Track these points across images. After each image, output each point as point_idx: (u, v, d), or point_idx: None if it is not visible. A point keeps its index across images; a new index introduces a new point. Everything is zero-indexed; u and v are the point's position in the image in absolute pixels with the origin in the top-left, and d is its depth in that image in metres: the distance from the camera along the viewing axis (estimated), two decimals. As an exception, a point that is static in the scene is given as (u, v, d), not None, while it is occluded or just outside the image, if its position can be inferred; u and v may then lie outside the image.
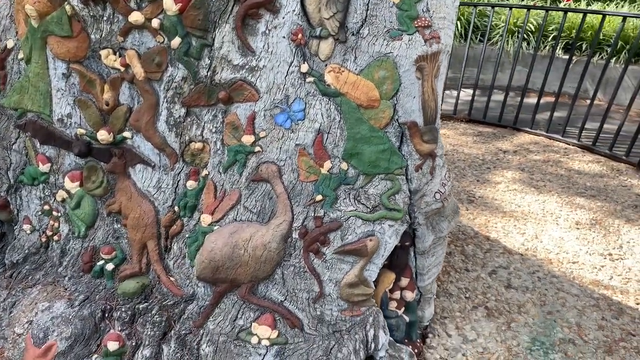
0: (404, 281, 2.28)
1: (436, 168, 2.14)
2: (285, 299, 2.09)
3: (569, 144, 5.60)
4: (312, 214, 2.03)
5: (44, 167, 2.35)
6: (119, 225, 2.35)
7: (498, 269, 3.15)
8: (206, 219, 2.14)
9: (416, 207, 2.12)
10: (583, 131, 5.57)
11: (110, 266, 2.32)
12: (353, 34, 1.97)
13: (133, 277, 2.29)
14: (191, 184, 2.19)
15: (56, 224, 2.44)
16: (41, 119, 2.30)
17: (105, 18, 2.01)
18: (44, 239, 2.48)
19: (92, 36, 2.07)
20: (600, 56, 7.39)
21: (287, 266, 2.07)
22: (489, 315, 2.72)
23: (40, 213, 2.45)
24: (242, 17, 1.93)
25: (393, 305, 2.27)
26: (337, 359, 2.01)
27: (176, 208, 2.22)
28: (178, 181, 2.22)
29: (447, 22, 2.04)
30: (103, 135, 2.19)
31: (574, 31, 7.38)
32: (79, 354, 2.15)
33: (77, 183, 2.34)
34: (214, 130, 2.12)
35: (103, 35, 2.06)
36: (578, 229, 3.72)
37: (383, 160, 2.00)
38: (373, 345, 2.06)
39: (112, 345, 2.16)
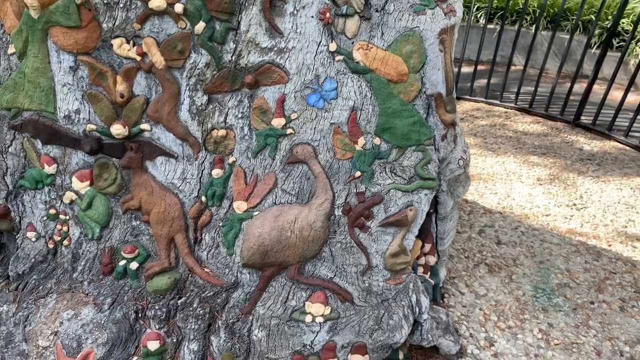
0: (427, 247, 2.41)
1: (457, 136, 2.27)
2: (334, 275, 2.15)
3: (508, 108, 6.00)
4: (354, 190, 2.09)
5: (50, 169, 2.21)
6: (137, 222, 2.28)
7: (485, 227, 3.39)
8: (241, 205, 2.14)
9: (442, 174, 2.24)
10: (519, 95, 6.00)
11: (134, 265, 2.25)
12: (377, 11, 2.03)
13: (163, 273, 2.24)
14: (217, 172, 2.16)
15: (65, 228, 2.31)
16: (43, 117, 2.16)
17: (121, 5, 1.92)
18: (51, 245, 2.35)
19: (104, 25, 1.97)
20: (526, 25, 7.90)
21: (334, 243, 2.12)
22: (491, 271, 2.94)
23: (45, 218, 2.32)
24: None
25: (420, 270, 2.40)
26: (389, 326, 2.11)
27: (203, 198, 2.19)
28: (202, 170, 2.18)
29: (459, -6, 2.15)
30: (118, 129, 2.10)
31: (504, 2, 7.83)
32: (119, 358, 2.09)
33: (87, 182, 2.23)
34: (239, 115, 2.10)
35: (116, 23, 1.96)
36: (541, 184, 4.06)
37: (414, 132, 2.09)
38: (417, 310, 2.18)
39: (153, 345, 2.12)
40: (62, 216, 2.30)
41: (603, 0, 5.02)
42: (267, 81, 2.05)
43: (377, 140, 2.09)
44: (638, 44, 6.66)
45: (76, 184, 2.23)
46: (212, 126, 2.13)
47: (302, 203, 2.11)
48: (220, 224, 2.20)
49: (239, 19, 1.95)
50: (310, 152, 2.07)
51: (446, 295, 2.71)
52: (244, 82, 2.04)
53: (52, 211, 2.30)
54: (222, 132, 2.13)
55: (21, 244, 2.35)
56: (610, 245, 3.28)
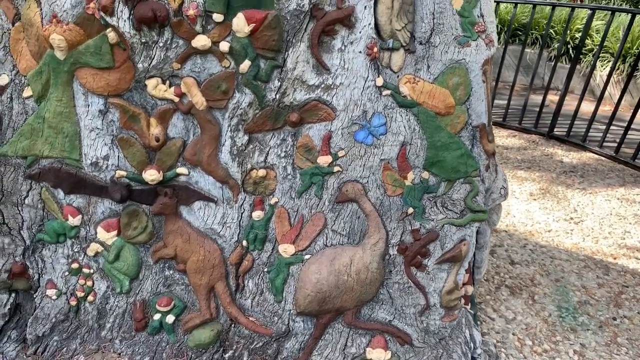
0: (465, 277, 2.40)
1: (497, 165, 2.27)
2: (393, 318, 2.09)
3: (481, 122, 6.14)
4: (409, 228, 2.05)
5: (75, 220, 2.05)
6: (171, 272, 2.14)
7: (495, 248, 3.42)
8: (288, 249, 2.05)
9: (486, 204, 2.23)
10: (492, 109, 6.16)
11: (171, 318, 2.11)
12: (421, 43, 2.01)
13: (204, 326, 2.11)
14: (258, 214, 2.07)
15: (89, 283, 2.14)
16: (66, 165, 2.00)
17: (160, 44, 1.80)
18: (73, 303, 2.17)
19: (139, 65, 1.85)
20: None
21: (391, 284, 2.07)
22: (513, 293, 2.96)
23: (67, 273, 2.14)
24: (319, 35, 1.86)
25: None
26: (449, 365, 2.07)
27: (244, 242, 2.09)
28: (242, 213, 2.08)
29: (494, 24, 2.17)
30: (153, 175, 1.97)
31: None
32: (164, 423, 1.95)
33: (114, 232, 2.08)
34: (282, 154, 2.02)
35: (153, 63, 1.85)
36: (535, 199, 4.16)
37: (462, 164, 2.08)
38: (472, 345, 2.15)
39: (200, 405, 1.98)
40: (85, 270, 2.13)
41: (569, 17, 5.26)
42: (313, 118, 1.98)
43: (425, 174, 2.06)
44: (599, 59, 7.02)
45: (102, 234, 2.08)
46: (251, 166, 2.03)
47: (354, 243, 2.04)
48: (265, 269, 2.10)
49: (285, 56, 1.87)
50: (360, 190, 2.01)
51: (478, 322, 2.70)
52: (288, 120, 1.96)
53: (75, 265, 2.12)
54: (262, 172, 2.04)
55: (40, 303, 2.16)
56: (615, 259, 3.39)
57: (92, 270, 2.14)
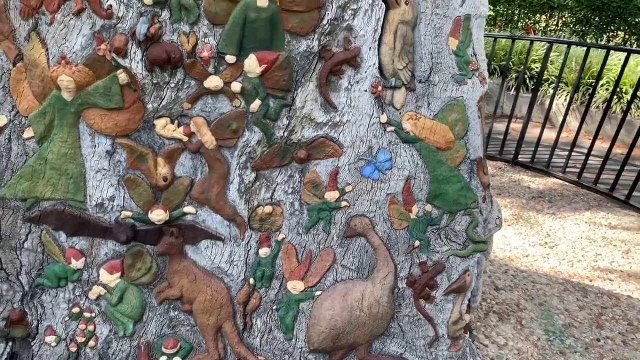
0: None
1: (492, 196, 2.37)
2: (405, 351, 2.12)
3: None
4: (416, 261, 2.10)
5: (78, 263, 1.99)
6: (176, 312, 2.11)
7: (478, 274, 3.52)
8: (297, 285, 2.06)
9: (484, 234, 2.32)
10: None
11: (177, 361, 2.07)
12: (420, 82, 2.10)
13: (212, 367, 2.07)
14: (265, 251, 2.07)
15: (90, 327, 2.08)
16: (69, 207, 1.96)
17: (172, 85, 1.82)
18: (73, 349, 2.09)
19: (149, 105, 1.85)
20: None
21: (401, 317, 2.10)
22: (501, 319, 3.05)
23: (67, 318, 2.07)
24: (327, 75, 1.92)
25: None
26: (458, 395, 2.11)
27: (251, 280, 2.08)
28: (248, 251, 2.08)
29: (485, 63, 2.28)
30: (160, 215, 1.96)
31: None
32: None
33: (118, 274, 2.04)
34: (289, 190, 2.05)
35: (163, 103, 1.85)
36: (509, 225, 4.31)
37: (462, 197, 2.16)
38: (477, 373, 2.20)
39: None
40: (87, 314, 2.07)
41: (528, 50, 5.55)
42: (320, 155, 2.02)
43: (428, 207, 2.13)
44: (553, 88, 7.39)
45: (105, 276, 2.03)
46: (257, 203, 2.05)
47: (364, 278, 2.07)
48: (274, 307, 2.10)
49: (294, 95, 1.92)
50: (368, 224, 2.05)
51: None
52: (296, 157, 2.00)
53: (76, 309, 2.06)
54: (268, 209, 2.05)
55: (38, 351, 2.07)
56: (591, 281, 3.54)
57: (93, 314, 2.08)
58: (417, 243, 2.10)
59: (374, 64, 1.97)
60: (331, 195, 2.04)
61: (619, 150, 6.01)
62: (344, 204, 2.05)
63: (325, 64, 1.91)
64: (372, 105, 2.01)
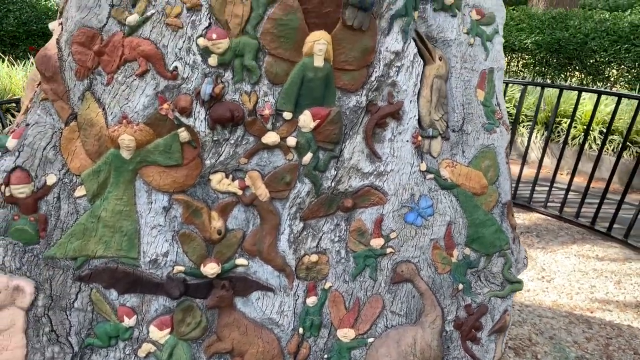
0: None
1: (518, 237, 2.50)
2: (456, 392, 2.17)
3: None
4: (462, 304, 2.18)
5: (130, 321, 1.98)
6: (225, 366, 2.11)
7: (487, 311, 3.62)
8: (348, 333, 2.10)
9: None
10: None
11: (229, 416, 2.06)
12: (454, 131, 2.23)
13: (265, 420, 2.07)
14: (312, 300, 2.12)
15: (138, 387, 2.05)
16: (122, 264, 1.96)
17: (232, 141, 1.88)
18: (120, 410, 2.05)
19: (207, 161, 1.90)
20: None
21: (451, 359, 2.16)
22: (518, 354, 3.15)
23: (116, 379, 2.03)
24: (373, 127, 2.03)
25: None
26: None
27: (300, 330, 2.11)
28: (296, 300, 2.12)
29: (506, 112, 2.45)
30: (213, 268, 1.98)
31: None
32: None
33: (167, 330, 2.03)
34: (335, 239, 2.11)
35: (220, 159, 1.91)
36: (505, 261, 4.46)
37: (497, 239, 2.27)
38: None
39: None
40: (135, 373, 2.04)
41: (506, 90, 5.85)
42: (365, 203, 2.10)
43: (467, 251, 2.23)
44: (521, 125, 7.77)
45: (155, 333, 2.02)
46: (304, 252, 2.10)
47: (412, 323, 2.13)
48: (325, 356, 2.13)
49: (342, 147, 2.01)
50: (414, 270, 2.13)
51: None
52: (342, 205, 2.07)
53: (124, 369, 2.03)
54: (314, 258, 2.10)
55: (85, 415, 2.02)
56: (592, 312, 3.70)
57: (141, 373, 2.05)
58: (460, 286, 2.19)
59: (415, 115, 2.10)
60: (377, 242, 2.12)
61: (594, 185, 6.33)
62: (389, 250, 2.13)
63: (371, 118, 2.01)
64: (412, 155, 2.12)
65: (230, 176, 1.96)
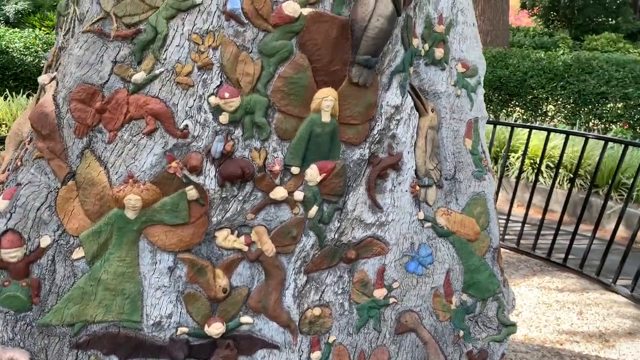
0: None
1: (507, 279, 2.58)
2: None
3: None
4: (464, 350, 2.21)
5: (132, 389, 1.88)
6: None
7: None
8: (356, 386, 2.08)
9: (505, 316, 2.50)
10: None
11: None
12: (446, 179, 2.31)
13: None
14: (317, 355, 2.10)
15: None
16: (123, 328, 1.87)
17: (240, 197, 1.86)
18: None
19: (214, 218, 1.87)
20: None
21: (457, 406, 2.18)
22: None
23: None
24: (375, 179, 2.07)
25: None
26: None
27: (306, 386, 2.08)
28: (300, 356, 2.09)
29: (489, 157, 2.56)
30: (218, 328, 1.93)
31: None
32: None
33: (170, 395, 1.95)
34: (339, 291, 2.12)
35: (227, 215, 1.89)
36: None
37: (490, 283, 2.35)
38: None
39: None
40: None
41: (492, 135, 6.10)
42: (368, 254, 2.12)
43: (464, 297, 2.29)
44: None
45: (156, 399, 1.93)
46: (307, 306, 2.09)
47: (417, 371, 2.15)
48: (332, 411, 2.09)
49: (346, 199, 2.03)
50: (417, 319, 2.16)
51: None
52: (345, 257, 2.09)
53: None
54: (316, 311, 2.10)
55: None
56: (561, 345, 3.85)
57: None
58: (461, 333, 2.23)
59: (412, 166, 2.16)
60: (380, 293, 2.14)
61: (536, 216, 6.64)
62: (392, 300, 2.15)
63: (373, 169, 2.06)
64: (411, 204, 2.17)
65: (236, 232, 1.93)
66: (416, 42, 2.12)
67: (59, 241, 1.85)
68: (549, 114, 9.65)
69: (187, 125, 1.76)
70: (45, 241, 1.85)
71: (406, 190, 2.15)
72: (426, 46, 2.20)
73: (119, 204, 1.78)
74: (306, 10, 1.74)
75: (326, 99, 1.85)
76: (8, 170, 2.07)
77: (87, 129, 1.81)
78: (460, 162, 2.33)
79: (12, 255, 1.81)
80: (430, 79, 2.26)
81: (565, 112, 9.42)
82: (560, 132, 5.60)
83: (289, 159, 1.88)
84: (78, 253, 1.85)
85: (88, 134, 1.82)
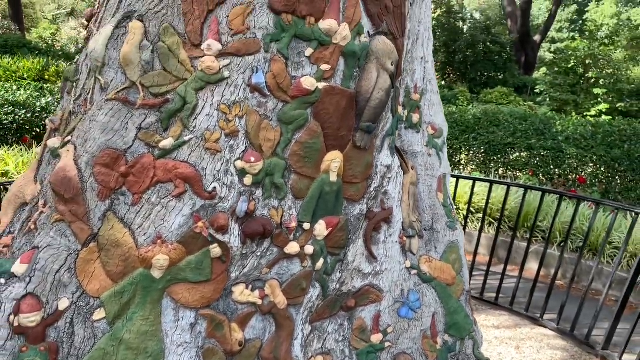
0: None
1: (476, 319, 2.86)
2: None
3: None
4: (451, 388, 2.43)
5: None
6: None
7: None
8: None
9: (476, 353, 2.77)
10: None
11: None
12: (426, 230, 2.58)
13: None
14: (321, 401, 2.23)
15: None
16: (144, 388, 1.91)
17: (258, 253, 2.00)
18: None
19: (232, 274, 1.99)
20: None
21: None
22: None
23: None
24: (371, 232, 2.29)
25: None
26: None
27: None
28: (305, 404, 2.21)
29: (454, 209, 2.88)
30: (235, 380, 2.02)
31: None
32: None
33: None
34: (340, 339, 2.28)
35: (245, 271, 2.01)
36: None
37: (467, 324, 2.61)
38: None
39: None
40: None
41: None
42: (365, 302, 2.32)
43: (446, 337, 2.53)
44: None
45: None
46: (310, 355, 2.22)
47: (413, 410, 2.33)
48: None
49: (346, 251, 2.23)
50: (410, 360, 2.36)
51: None
52: (346, 305, 2.27)
53: None
54: (319, 359, 2.24)
55: None
56: (507, 378, 4.18)
57: None
58: (448, 371, 2.46)
59: (400, 219, 2.40)
60: (376, 338, 2.32)
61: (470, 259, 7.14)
62: (387, 344, 2.34)
63: (369, 223, 2.28)
64: (400, 254, 2.41)
65: (250, 286, 2.05)
66: (400, 109, 2.41)
67: (77, 303, 1.88)
68: (462, 162, 10.45)
69: (215, 188, 1.89)
70: (63, 304, 1.87)
71: (396, 241, 2.38)
72: (405, 112, 2.50)
73: (146, 264, 1.86)
74: (321, 85, 1.96)
75: (334, 161, 2.06)
76: (10, 232, 2.06)
77: (110, 192, 1.89)
78: (437, 214, 2.61)
79: (32, 319, 1.81)
80: (409, 140, 2.54)
81: (477, 161, 10.26)
82: (485, 181, 6.16)
83: (302, 216, 2.05)
84: (99, 314, 1.88)
85: (110, 196, 1.89)
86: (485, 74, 23.14)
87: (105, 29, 1.92)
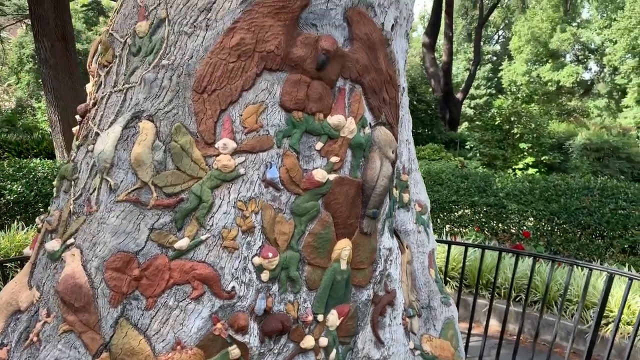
0: None
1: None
2: None
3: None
4: None
5: None
6: None
7: None
8: None
9: None
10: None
11: None
12: (423, 308, 2.63)
13: None
14: None
15: None
16: None
17: (275, 351, 1.96)
18: None
19: None
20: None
21: None
22: None
23: None
24: (377, 316, 2.31)
25: None
26: None
27: None
28: None
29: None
30: None
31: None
32: None
33: None
34: None
35: None
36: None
37: (468, 398, 2.63)
38: None
39: None
40: None
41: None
42: (375, 388, 2.30)
43: (452, 415, 2.53)
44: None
45: None
46: None
47: None
48: None
49: (356, 339, 2.23)
50: None
51: None
52: (358, 394, 2.24)
53: None
54: None
55: None
56: None
57: None
58: None
59: (402, 300, 2.44)
60: (388, 423, 2.29)
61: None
62: None
63: (376, 308, 2.30)
64: (404, 335, 2.43)
65: (268, 383, 2.00)
66: (395, 191, 2.50)
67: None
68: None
69: (234, 287, 1.86)
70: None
71: (400, 323, 2.40)
72: (397, 192, 2.58)
73: None
74: (332, 176, 2.01)
75: (345, 249, 2.09)
76: (4, 344, 1.92)
77: (122, 296, 1.82)
78: (432, 291, 2.67)
79: None
80: (401, 219, 2.62)
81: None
82: (443, 242, 6.34)
83: (316, 307, 2.04)
84: None
85: (122, 301, 1.82)
86: (414, 130, 24.18)
87: (113, 129, 1.91)
